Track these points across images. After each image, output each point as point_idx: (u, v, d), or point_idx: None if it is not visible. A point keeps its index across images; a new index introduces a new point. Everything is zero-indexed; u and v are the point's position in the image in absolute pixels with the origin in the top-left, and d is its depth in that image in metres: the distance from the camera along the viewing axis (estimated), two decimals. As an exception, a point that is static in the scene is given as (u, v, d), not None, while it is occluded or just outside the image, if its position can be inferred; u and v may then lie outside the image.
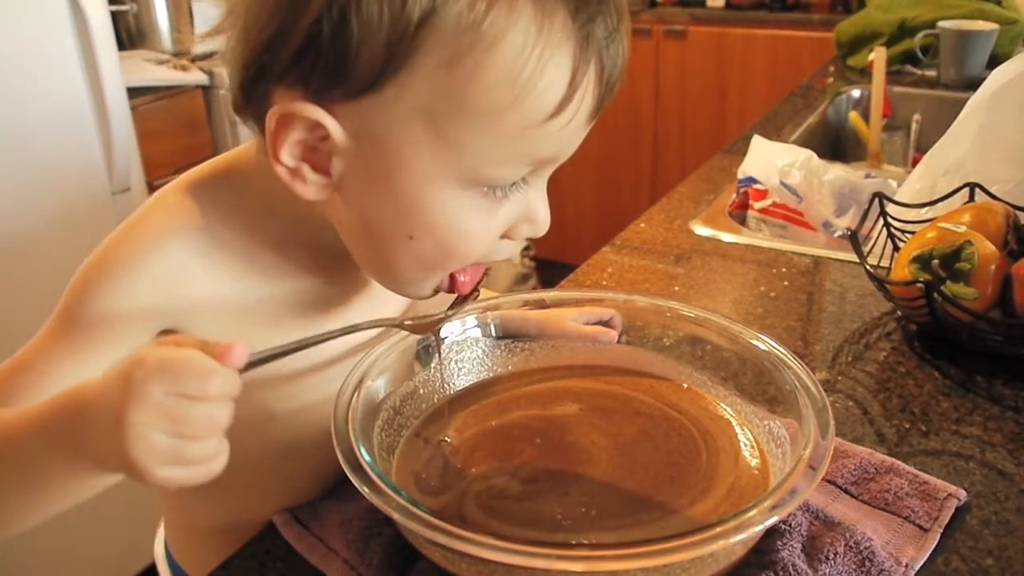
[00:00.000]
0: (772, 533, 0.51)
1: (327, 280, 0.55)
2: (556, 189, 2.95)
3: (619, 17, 0.43)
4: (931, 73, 1.68)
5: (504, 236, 0.48)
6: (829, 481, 0.57)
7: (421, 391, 0.60)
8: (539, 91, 0.40)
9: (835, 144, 1.58)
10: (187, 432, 0.37)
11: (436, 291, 0.50)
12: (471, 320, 0.63)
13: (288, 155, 0.43)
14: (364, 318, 0.51)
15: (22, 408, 0.43)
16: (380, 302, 0.58)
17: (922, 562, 0.51)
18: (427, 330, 0.53)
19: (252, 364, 0.40)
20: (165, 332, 0.49)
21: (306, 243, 0.52)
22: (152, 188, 1.54)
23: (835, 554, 0.50)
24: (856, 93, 1.64)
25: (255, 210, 0.51)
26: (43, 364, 0.47)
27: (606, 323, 0.65)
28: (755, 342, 0.58)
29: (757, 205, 1.10)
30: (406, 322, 0.52)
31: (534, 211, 0.48)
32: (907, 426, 0.65)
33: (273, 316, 0.53)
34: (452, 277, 0.49)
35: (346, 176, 0.44)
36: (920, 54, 1.67)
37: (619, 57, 0.43)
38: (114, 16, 1.43)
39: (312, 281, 0.54)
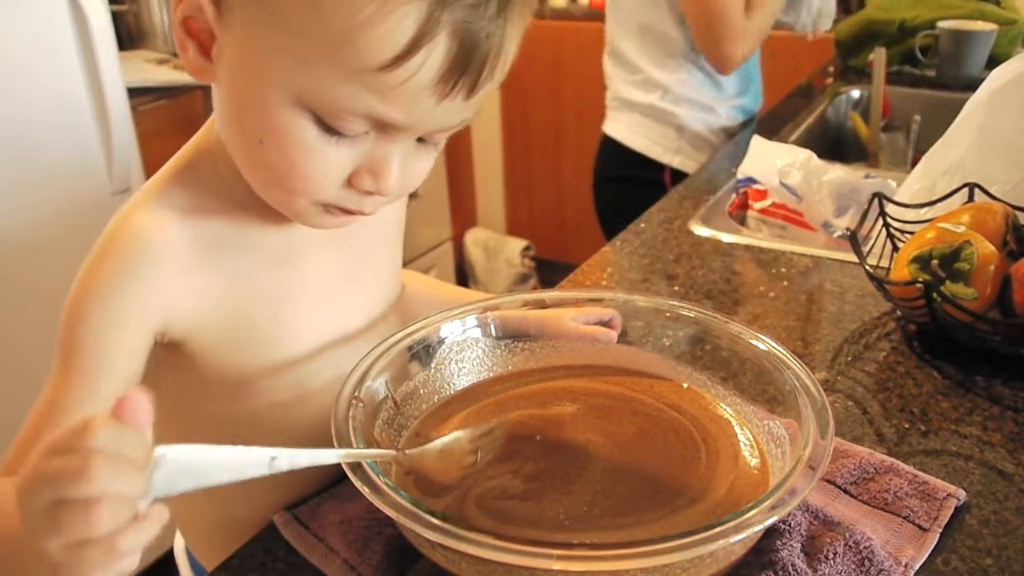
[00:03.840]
0: (772, 533, 0.51)
1: (306, 233, 0.56)
2: (556, 189, 2.95)
3: (502, 4, 0.43)
4: (930, 73, 1.68)
5: (349, 183, 0.48)
6: (828, 481, 0.57)
7: (421, 391, 0.60)
8: (376, 36, 0.41)
9: (835, 144, 1.58)
10: (64, 492, 0.33)
11: (308, 217, 0.50)
12: (471, 320, 0.63)
13: (179, 27, 0.47)
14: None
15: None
16: (356, 250, 0.60)
17: (921, 562, 0.51)
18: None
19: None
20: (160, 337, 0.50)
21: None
22: (152, 188, 1.54)
23: (835, 554, 0.50)
24: (856, 93, 1.64)
25: (236, 183, 0.52)
26: (63, 403, 0.47)
27: (606, 323, 0.65)
28: (755, 342, 0.58)
29: (756, 205, 1.10)
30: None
31: (379, 166, 0.47)
32: (906, 426, 0.65)
33: (258, 284, 0.54)
34: (328, 211, 0.50)
35: (220, 65, 0.47)
36: (920, 54, 1.67)
37: (491, 39, 0.43)
38: (114, 16, 1.43)
39: (292, 235, 0.56)
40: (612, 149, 1.50)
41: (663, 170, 1.45)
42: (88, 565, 0.34)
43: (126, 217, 0.51)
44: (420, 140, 0.49)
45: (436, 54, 0.42)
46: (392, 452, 0.49)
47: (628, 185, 1.49)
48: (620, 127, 1.48)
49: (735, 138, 1.46)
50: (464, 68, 0.43)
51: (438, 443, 0.52)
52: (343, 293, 0.60)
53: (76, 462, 0.33)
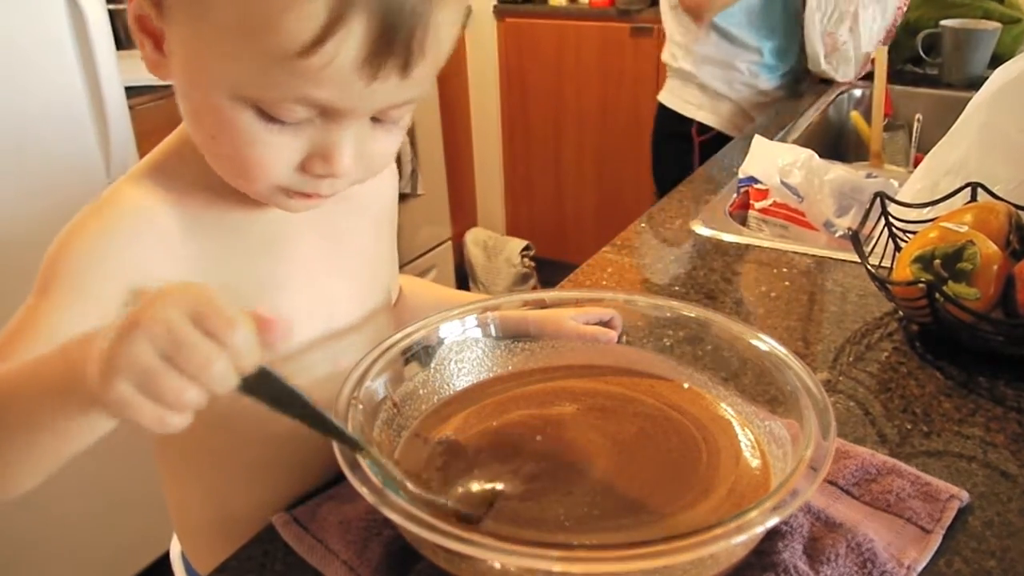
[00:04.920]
0: (773, 534, 0.51)
1: (288, 219, 0.56)
2: (556, 188, 2.95)
3: None
4: (933, 72, 1.67)
5: (301, 169, 0.48)
6: (830, 482, 0.57)
7: (421, 391, 0.59)
8: (290, 22, 0.41)
9: (836, 143, 1.58)
10: (180, 364, 0.35)
11: (277, 202, 0.51)
12: (471, 320, 0.63)
13: (133, 25, 0.47)
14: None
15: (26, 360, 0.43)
16: (341, 237, 0.61)
17: (924, 564, 0.51)
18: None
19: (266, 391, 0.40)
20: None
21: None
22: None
23: (837, 555, 0.50)
24: (857, 92, 1.64)
25: (214, 171, 0.53)
26: (32, 327, 0.48)
27: (606, 323, 0.65)
28: (756, 342, 0.58)
29: (758, 205, 1.10)
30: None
31: (329, 150, 0.47)
32: (909, 427, 0.65)
33: (240, 267, 0.55)
34: (291, 196, 0.51)
35: (171, 61, 0.47)
36: (923, 53, 1.66)
37: (416, 16, 0.42)
38: (112, 15, 1.42)
39: (273, 221, 0.56)
40: (659, 111, 1.75)
41: (691, 124, 1.66)
42: (139, 415, 0.36)
43: (113, 189, 0.52)
44: (377, 120, 0.49)
45: (354, 36, 0.41)
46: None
47: (668, 140, 1.74)
48: (664, 91, 1.73)
49: (764, 105, 1.61)
50: (389, 48, 0.43)
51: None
52: (329, 279, 0.60)
53: (208, 349, 0.35)
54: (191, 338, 0.35)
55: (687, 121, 1.66)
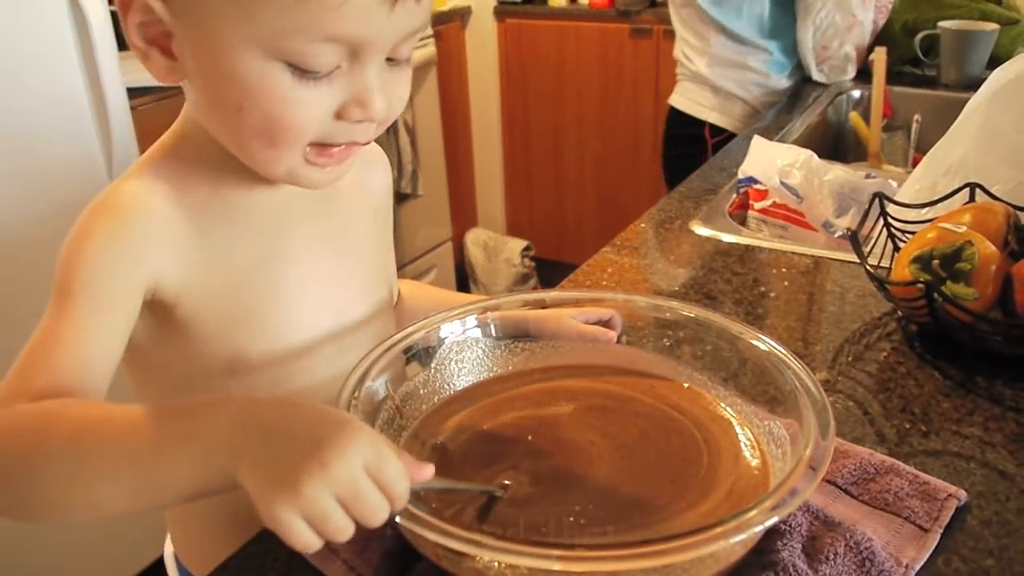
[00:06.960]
0: (772, 533, 0.51)
1: (290, 205, 0.57)
2: (556, 189, 2.95)
3: None
4: (931, 73, 1.68)
5: (338, 117, 0.49)
6: (829, 481, 0.57)
7: (421, 391, 0.60)
8: None
9: (835, 144, 1.58)
10: (352, 509, 0.39)
11: (301, 174, 0.52)
12: (471, 320, 0.63)
13: (137, 37, 0.48)
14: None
15: (140, 405, 0.44)
16: (342, 222, 0.61)
17: (922, 562, 0.51)
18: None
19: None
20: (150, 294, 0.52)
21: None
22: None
23: (835, 554, 0.50)
24: (856, 93, 1.64)
25: (216, 158, 0.54)
26: (62, 334, 0.48)
27: (606, 323, 0.65)
28: (755, 342, 0.58)
29: (757, 205, 1.10)
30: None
31: (363, 96, 0.48)
32: (907, 426, 0.65)
33: (243, 251, 0.56)
34: (320, 154, 0.51)
35: (184, 56, 0.48)
36: (921, 54, 1.66)
37: None
38: (114, 16, 1.42)
39: (275, 207, 0.57)
40: (671, 114, 1.76)
41: (703, 126, 1.67)
42: (291, 538, 0.38)
43: (115, 187, 0.53)
44: (389, 61, 0.50)
45: None
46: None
47: (679, 141, 1.75)
48: (675, 95, 1.74)
49: (773, 104, 1.63)
50: None
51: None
52: (332, 263, 0.60)
53: (379, 501, 0.40)
54: (368, 491, 0.39)
55: (699, 123, 1.67)
